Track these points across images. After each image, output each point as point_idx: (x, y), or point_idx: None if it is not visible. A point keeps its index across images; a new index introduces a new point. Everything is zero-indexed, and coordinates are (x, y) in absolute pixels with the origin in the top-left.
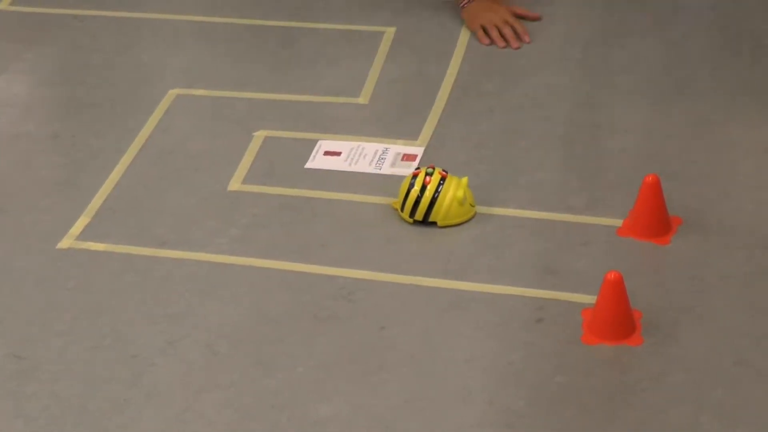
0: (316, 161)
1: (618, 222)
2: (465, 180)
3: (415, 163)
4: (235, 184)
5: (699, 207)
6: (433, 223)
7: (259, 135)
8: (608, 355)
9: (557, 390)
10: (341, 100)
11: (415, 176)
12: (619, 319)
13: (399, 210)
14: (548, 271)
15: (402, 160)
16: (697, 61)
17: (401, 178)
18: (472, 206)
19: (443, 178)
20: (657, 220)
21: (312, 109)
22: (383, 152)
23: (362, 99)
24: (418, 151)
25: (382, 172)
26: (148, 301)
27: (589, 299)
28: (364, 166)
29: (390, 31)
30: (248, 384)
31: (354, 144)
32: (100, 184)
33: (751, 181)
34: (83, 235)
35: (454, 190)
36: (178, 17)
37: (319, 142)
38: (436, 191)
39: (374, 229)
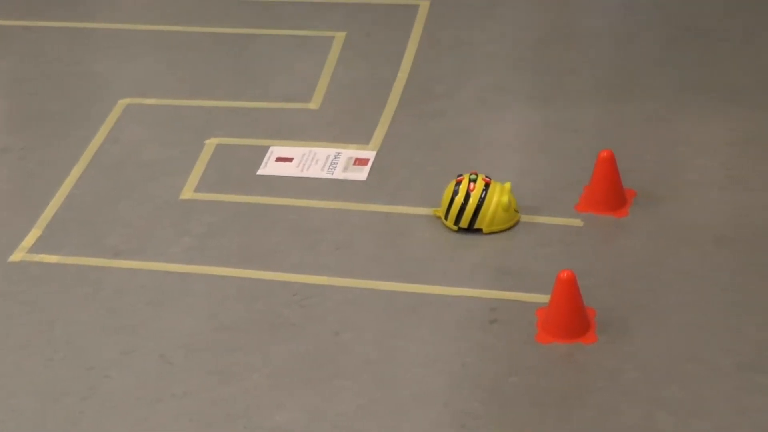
0: (268, 168)
1: (573, 221)
2: (508, 185)
3: (367, 168)
4: (187, 193)
5: (650, 205)
6: (479, 231)
7: (211, 143)
8: (562, 353)
9: (512, 390)
10: (292, 105)
11: (458, 183)
12: (572, 317)
13: (443, 218)
14: (503, 272)
15: (354, 164)
16: (645, 59)
17: (353, 182)
18: (516, 212)
19: (487, 185)
20: (613, 194)
21: (263, 116)
22: (335, 157)
23: (313, 104)
24: (370, 155)
25: (335, 176)
26: (102, 312)
27: (543, 298)
28: (316, 172)
29: (340, 36)
30: (204, 393)
31: (306, 149)
32: (51, 196)
33: (702, 179)
34: (35, 248)
35: (499, 196)
36: (129, 26)
37: (270, 149)
38: (481, 198)
39: (327, 234)
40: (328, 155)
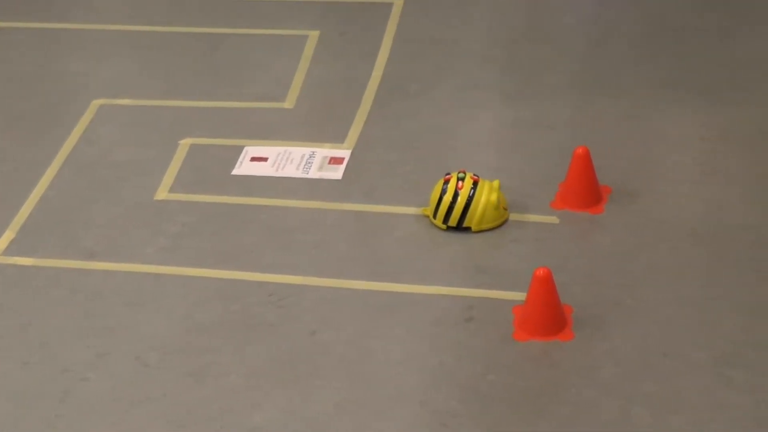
0: (243, 167)
1: (548, 218)
2: (497, 183)
3: (342, 167)
4: (162, 193)
5: (625, 201)
6: (467, 229)
7: (185, 143)
8: (539, 351)
9: (489, 388)
10: (267, 105)
11: (446, 182)
12: (549, 315)
13: (431, 217)
14: (479, 270)
15: (329, 163)
16: (620, 56)
17: (329, 181)
18: (506, 209)
19: (475, 183)
20: (588, 191)
21: (238, 115)
22: (310, 156)
23: (288, 103)
24: (345, 154)
25: (310, 176)
26: (77, 314)
27: (520, 296)
28: (291, 171)
29: (314, 35)
30: (180, 395)
31: (281, 149)
32: (25, 198)
33: (676, 175)
34: (9, 250)
35: (487, 195)
36: (102, 27)
37: (245, 149)
38: (469, 196)
39: (303, 233)
40: (303, 154)
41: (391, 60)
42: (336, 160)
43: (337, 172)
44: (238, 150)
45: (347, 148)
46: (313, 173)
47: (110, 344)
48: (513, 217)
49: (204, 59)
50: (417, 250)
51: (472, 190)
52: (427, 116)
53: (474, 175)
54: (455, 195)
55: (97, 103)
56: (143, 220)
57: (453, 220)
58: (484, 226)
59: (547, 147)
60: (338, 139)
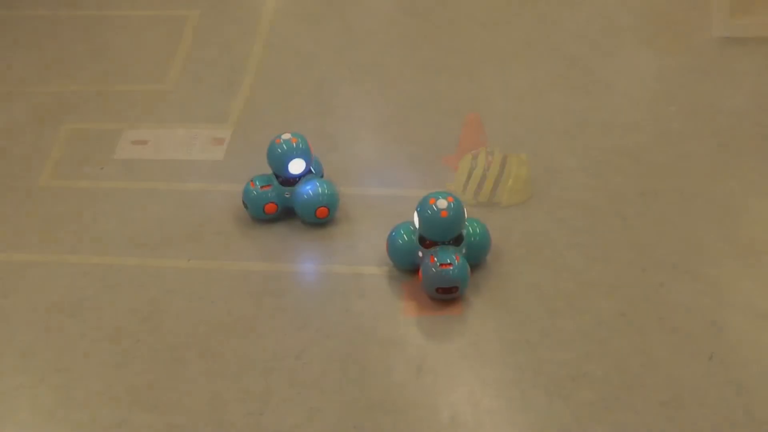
0: (124, 151)
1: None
2: (525, 156)
3: (224, 147)
4: (42, 180)
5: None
6: (496, 204)
7: (65, 128)
8: (429, 325)
9: (382, 365)
10: (147, 87)
11: (475, 157)
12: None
13: (461, 192)
14: (370, 246)
15: (211, 144)
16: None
17: (212, 162)
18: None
19: (504, 158)
20: None
21: (117, 99)
22: (191, 138)
23: (168, 85)
24: (226, 134)
25: (192, 157)
26: None
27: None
28: (172, 153)
29: (193, 15)
30: None
31: (161, 131)
32: None
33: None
34: None
35: (517, 169)
36: None
37: (126, 132)
38: (499, 171)
39: (186, 216)
40: (185, 136)
41: (271, 38)
42: (218, 141)
43: (219, 153)
44: (119, 134)
45: (229, 129)
46: (196, 154)
47: None
48: (398, 192)
49: (83, 42)
50: (306, 228)
51: (502, 165)
52: (310, 94)
53: (500, 150)
54: (485, 170)
55: None
56: (24, 208)
57: (483, 195)
58: (514, 201)
59: (437, 121)
60: (220, 119)
